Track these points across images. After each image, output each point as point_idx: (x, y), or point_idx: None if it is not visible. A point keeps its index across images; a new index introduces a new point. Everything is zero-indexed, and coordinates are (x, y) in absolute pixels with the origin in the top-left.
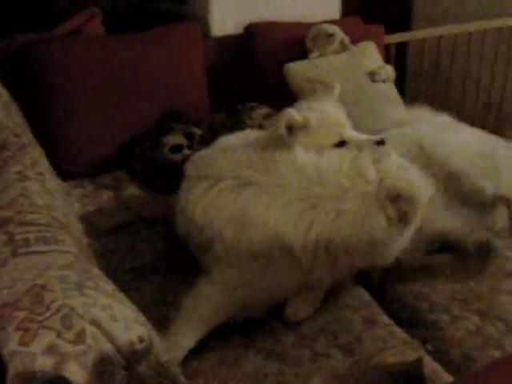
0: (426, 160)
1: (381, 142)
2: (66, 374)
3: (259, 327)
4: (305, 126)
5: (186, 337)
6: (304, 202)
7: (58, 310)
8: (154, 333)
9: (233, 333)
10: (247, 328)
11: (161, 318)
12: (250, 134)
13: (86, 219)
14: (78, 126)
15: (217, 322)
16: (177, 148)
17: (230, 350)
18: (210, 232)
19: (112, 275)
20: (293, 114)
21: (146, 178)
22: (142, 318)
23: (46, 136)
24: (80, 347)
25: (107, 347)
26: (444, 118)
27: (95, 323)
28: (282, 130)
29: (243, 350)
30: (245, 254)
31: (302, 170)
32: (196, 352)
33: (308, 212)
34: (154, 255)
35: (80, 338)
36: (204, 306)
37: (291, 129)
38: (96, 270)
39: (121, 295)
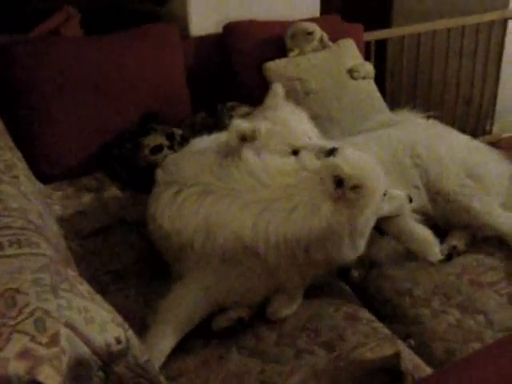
0: (415, 165)
1: (333, 150)
2: (40, 378)
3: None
4: (254, 137)
5: (165, 339)
6: (258, 205)
7: (31, 314)
8: (131, 333)
9: (215, 333)
10: (230, 327)
11: (143, 319)
12: (220, 138)
13: (66, 222)
14: (57, 128)
15: (193, 322)
16: (157, 149)
17: (213, 350)
18: (178, 240)
19: (93, 277)
20: (241, 125)
21: (127, 179)
22: (119, 319)
23: (25, 139)
24: (54, 350)
25: (83, 350)
26: (428, 122)
27: (70, 326)
28: (233, 140)
29: (226, 350)
30: (213, 258)
31: (252, 174)
32: (179, 353)
33: (263, 213)
34: (135, 257)
35: (54, 340)
36: (179, 307)
37: (243, 139)
38: (72, 273)
39: (97, 297)
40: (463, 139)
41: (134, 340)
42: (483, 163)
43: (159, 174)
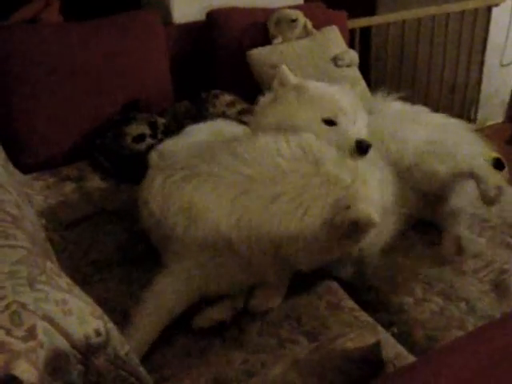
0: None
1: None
2: (16, 373)
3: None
4: (300, 89)
5: (148, 329)
6: (237, 187)
7: (7, 307)
8: (111, 325)
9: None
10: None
11: (125, 309)
12: (214, 125)
13: (48, 212)
14: (37, 117)
15: (175, 312)
16: (140, 137)
17: (195, 342)
18: (165, 226)
19: (75, 268)
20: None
21: (110, 168)
22: (98, 311)
23: (4, 128)
24: (30, 344)
25: (61, 343)
26: (399, 106)
27: (47, 318)
28: (275, 84)
29: (208, 341)
30: (194, 246)
31: (235, 153)
32: (160, 344)
33: (240, 198)
34: (117, 247)
35: (31, 334)
36: (161, 297)
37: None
38: (50, 265)
39: (76, 289)
40: (433, 118)
41: (114, 332)
42: (451, 137)
43: (153, 158)
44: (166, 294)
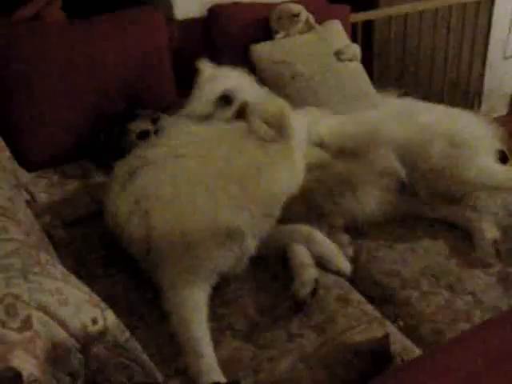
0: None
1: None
2: (14, 364)
3: (235, 312)
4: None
5: (204, 355)
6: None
7: (1, 300)
8: (110, 313)
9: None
10: (223, 312)
11: (130, 304)
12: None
13: (52, 209)
14: (41, 115)
15: (204, 316)
16: (144, 134)
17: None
18: (117, 225)
19: (81, 264)
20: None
21: (113, 165)
22: (95, 299)
23: (8, 127)
24: (26, 334)
25: (58, 332)
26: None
27: (43, 309)
28: None
29: (219, 334)
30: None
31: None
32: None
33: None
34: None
35: (26, 324)
36: (185, 315)
37: None
38: (44, 255)
39: (72, 278)
40: (440, 110)
41: (113, 319)
42: (465, 128)
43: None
44: (186, 313)
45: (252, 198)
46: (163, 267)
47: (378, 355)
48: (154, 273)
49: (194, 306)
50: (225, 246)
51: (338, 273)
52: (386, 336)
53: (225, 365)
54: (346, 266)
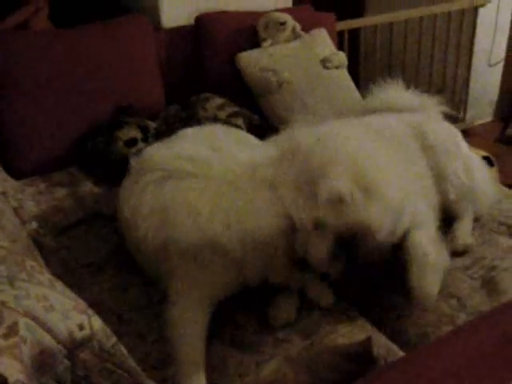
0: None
1: None
2: (1, 369)
3: (223, 316)
4: None
5: (196, 368)
6: (219, 186)
7: None
8: (96, 319)
9: None
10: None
11: (118, 311)
12: (210, 128)
13: (41, 217)
14: (28, 123)
15: (203, 332)
16: (132, 142)
17: None
18: (136, 230)
19: (69, 272)
20: None
21: (101, 173)
22: (82, 305)
23: None
24: (12, 340)
25: (44, 338)
26: None
27: (29, 315)
28: None
29: (206, 340)
30: (176, 255)
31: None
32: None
33: (224, 197)
34: (110, 251)
35: (12, 331)
36: (183, 330)
37: None
38: (30, 262)
39: (58, 285)
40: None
41: (99, 325)
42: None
43: (132, 163)
44: (188, 328)
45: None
46: (172, 277)
47: (361, 357)
48: (162, 280)
49: (192, 322)
50: (231, 273)
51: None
52: (369, 339)
53: (212, 370)
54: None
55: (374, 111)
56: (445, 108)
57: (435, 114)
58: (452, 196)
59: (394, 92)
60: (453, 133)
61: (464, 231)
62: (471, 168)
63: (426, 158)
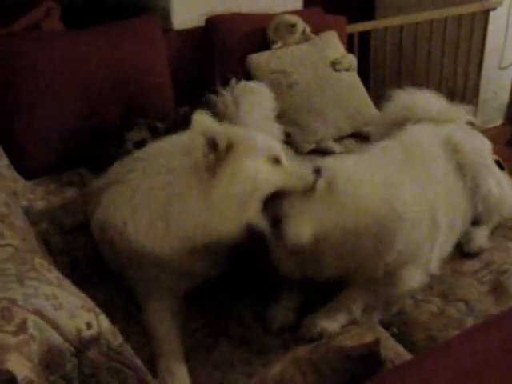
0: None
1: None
2: (9, 366)
3: (230, 316)
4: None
5: (179, 367)
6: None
7: None
8: (104, 318)
9: (203, 322)
10: (218, 317)
11: (125, 309)
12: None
13: (50, 217)
14: (39, 124)
15: (177, 330)
16: (141, 143)
17: (202, 339)
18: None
19: (77, 270)
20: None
21: None
22: (90, 304)
23: (7, 135)
24: (22, 337)
25: (53, 336)
26: None
27: (38, 313)
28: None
29: (214, 339)
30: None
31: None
32: None
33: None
34: None
35: (21, 328)
36: (162, 329)
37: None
38: (39, 260)
39: (67, 283)
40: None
41: (107, 324)
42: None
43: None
44: (164, 328)
45: None
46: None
47: (369, 360)
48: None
49: (160, 320)
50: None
51: None
52: (377, 341)
53: (218, 368)
54: None
55: (395, 120)
56: (472, 118)
57: (463, 124)
58: (481, 208)
59: (420, 99)
60: (486, 146)
61: (482, 235)
62: (500, 180)
63: (460, 174)
